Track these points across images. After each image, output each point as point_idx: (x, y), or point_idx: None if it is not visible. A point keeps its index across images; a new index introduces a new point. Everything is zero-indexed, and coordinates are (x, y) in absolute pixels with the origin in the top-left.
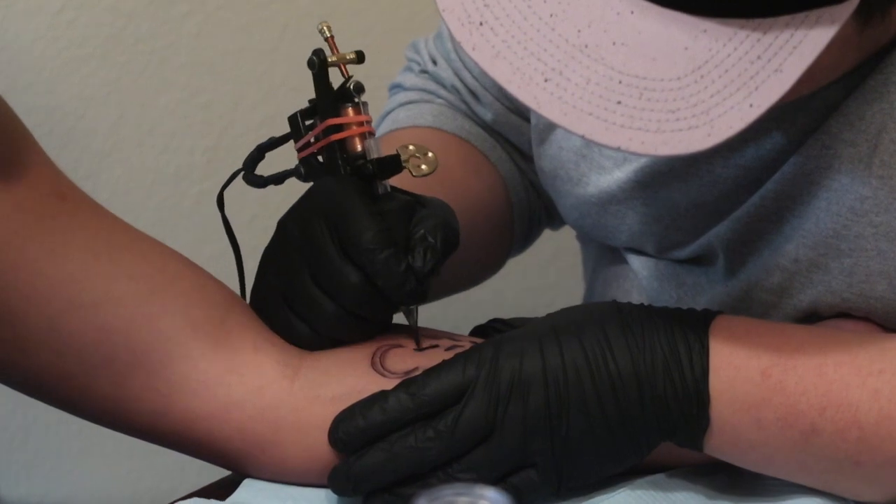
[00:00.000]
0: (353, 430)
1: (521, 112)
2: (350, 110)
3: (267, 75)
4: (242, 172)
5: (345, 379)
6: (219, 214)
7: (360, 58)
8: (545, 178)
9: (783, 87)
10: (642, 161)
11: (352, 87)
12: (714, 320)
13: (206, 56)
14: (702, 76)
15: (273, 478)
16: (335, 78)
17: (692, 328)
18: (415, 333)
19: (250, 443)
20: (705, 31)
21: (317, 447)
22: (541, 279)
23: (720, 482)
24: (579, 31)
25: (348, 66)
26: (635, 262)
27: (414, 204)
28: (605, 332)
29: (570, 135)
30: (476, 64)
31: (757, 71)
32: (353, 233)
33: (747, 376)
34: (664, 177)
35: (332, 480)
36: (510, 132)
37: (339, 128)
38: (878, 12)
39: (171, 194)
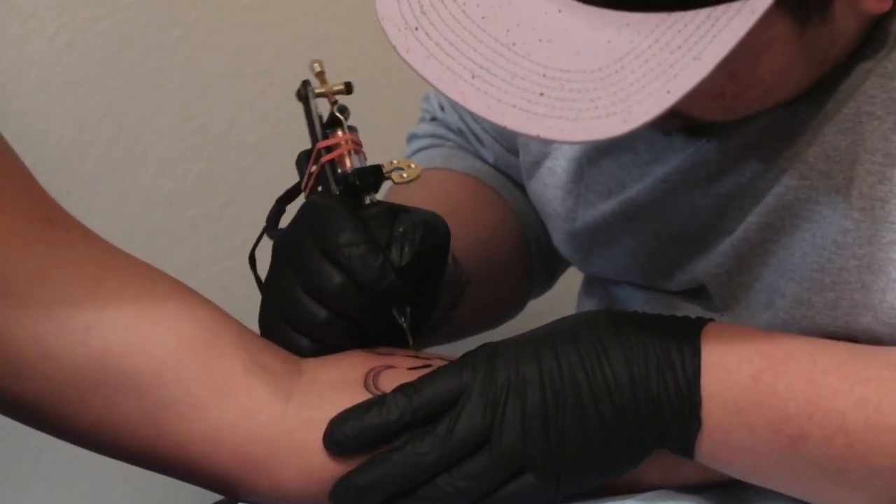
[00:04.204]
0: (349, 433)
1: (518, 152)
2: (338, 133)
3: (260, 99)
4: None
5: (338, 401)
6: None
7: (348, 88)
8: (539, 214)
9: (701, 73)
10: (626, 193)
11: (336, 110)
12: (706, 326)
13: (199, 80)
14: (622, 67)
15: (270, 502)
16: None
17: (684, 332)
18: (407, 334)
19: (245, 465)
20: (628, 24)
21: (313, 469)
22: (535, 304)
23: (708, 500)
24: (508, 30)
25: (338, 97)
26: (627, 290)
27: (398, 210)
28: (599, 336)
29: (554, 171)
30: (409, 66)
31: (676, 60)
32: (331, 235)
33: (738, 380)
34: (646, 208)
35: (334, 496)
36: (512, 172)
37: (330, 152)
38: (815, 11)
39: (165, 218)
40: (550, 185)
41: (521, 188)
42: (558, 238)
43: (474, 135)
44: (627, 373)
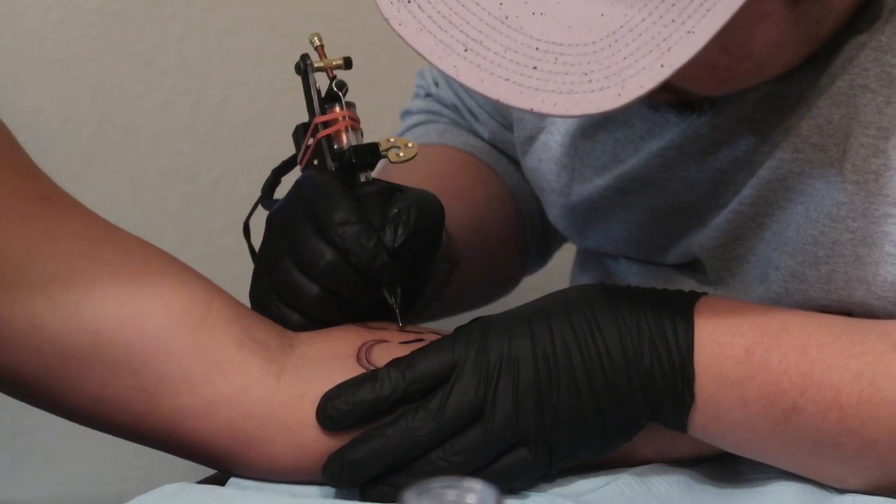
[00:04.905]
0: (342, 407)
1: (513, 128)
2: (336, 109)
3: (253, 76)
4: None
5: (331, 375)
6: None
7: (347, 63)
8: (536, 191)
9: (695, 47)
10: (621, 168)
11: (334, 85)
12: (699, 300)
13: (192, 58)
14: (616, 40)
15: (262, 476)
16: (325, 84)
17: (678, 306)
18: (396, 314)
19: (238, 441)
20: None
21: (306, 444)
22: (529, 281)
23: (701, 473)
24: (501, 3)
25: (337, 72)
26: (624, 264)
27: (392, 189)
28: (592, 310)
29: (548, 146)
30: (401, 38)
31: (670, 33)
32: (325, 212)
33: (731, 353)
34: (641, 182)
35: (327, 470)
36: (507, 148)
37: (327, 127)
38: None
39: (157, 196)
40: (545, 159)
41: (517, 164)
42: (554, 213)
43: (469, 110)
44: (621, 347)
